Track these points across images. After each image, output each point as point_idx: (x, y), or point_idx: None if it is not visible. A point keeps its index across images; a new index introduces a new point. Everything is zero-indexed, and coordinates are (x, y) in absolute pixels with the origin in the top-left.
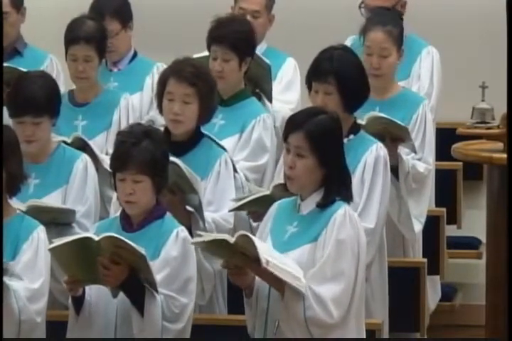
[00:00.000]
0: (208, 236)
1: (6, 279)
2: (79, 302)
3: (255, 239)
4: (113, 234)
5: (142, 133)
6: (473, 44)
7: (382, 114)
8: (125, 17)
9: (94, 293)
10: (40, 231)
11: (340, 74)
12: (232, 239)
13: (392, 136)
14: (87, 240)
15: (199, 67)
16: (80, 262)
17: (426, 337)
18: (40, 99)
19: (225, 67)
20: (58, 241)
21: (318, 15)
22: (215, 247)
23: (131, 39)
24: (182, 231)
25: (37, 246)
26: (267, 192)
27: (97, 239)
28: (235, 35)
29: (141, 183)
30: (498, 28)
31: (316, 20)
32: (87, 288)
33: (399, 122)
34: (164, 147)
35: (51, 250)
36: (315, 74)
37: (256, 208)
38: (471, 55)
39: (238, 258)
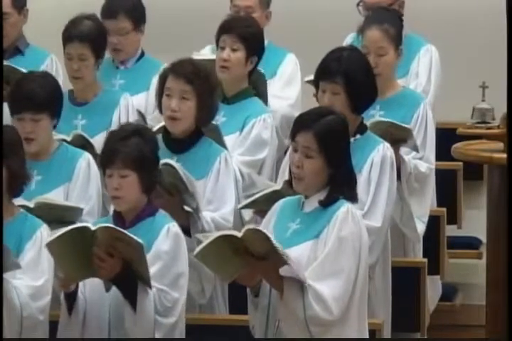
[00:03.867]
0: (209, 237)
1: (8, 277)
2: (72, 298)
3: (270, 235)
4: (110, 225)
5: (132, 130)
6: (473, 44)
7: (384, 119)
8: (138, 18)
9: (88, 290)
10: (44, 231)
11: (348, 74)
12: (239, 234)
13: (395, 137)
14: (83, 229)
15: (199, 67)
16: (75, 253)
17: (426, 337)
18: (39, 95)
19: (232, 56)
20: (55, 235)
21: (318, 15)
22: (218, 247)
23: (140, 42)
24: (173, 226)
25: (40, 245)
26: (277, 187)
27: (93, 228)
28: (245, 28)
29: (127, 178)
30: (498, 28)
31: (317, 18)
32: (80, 285)
33: (401, 124)
34: (153, 145)
35: (48, 245)
36: (323, 74)
37: (266, 205)
38: (471, 55)
39: (240, 255)
